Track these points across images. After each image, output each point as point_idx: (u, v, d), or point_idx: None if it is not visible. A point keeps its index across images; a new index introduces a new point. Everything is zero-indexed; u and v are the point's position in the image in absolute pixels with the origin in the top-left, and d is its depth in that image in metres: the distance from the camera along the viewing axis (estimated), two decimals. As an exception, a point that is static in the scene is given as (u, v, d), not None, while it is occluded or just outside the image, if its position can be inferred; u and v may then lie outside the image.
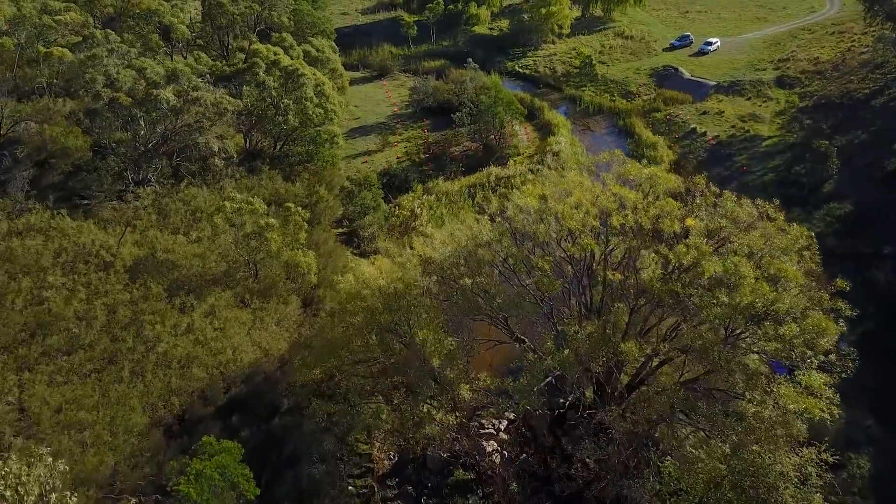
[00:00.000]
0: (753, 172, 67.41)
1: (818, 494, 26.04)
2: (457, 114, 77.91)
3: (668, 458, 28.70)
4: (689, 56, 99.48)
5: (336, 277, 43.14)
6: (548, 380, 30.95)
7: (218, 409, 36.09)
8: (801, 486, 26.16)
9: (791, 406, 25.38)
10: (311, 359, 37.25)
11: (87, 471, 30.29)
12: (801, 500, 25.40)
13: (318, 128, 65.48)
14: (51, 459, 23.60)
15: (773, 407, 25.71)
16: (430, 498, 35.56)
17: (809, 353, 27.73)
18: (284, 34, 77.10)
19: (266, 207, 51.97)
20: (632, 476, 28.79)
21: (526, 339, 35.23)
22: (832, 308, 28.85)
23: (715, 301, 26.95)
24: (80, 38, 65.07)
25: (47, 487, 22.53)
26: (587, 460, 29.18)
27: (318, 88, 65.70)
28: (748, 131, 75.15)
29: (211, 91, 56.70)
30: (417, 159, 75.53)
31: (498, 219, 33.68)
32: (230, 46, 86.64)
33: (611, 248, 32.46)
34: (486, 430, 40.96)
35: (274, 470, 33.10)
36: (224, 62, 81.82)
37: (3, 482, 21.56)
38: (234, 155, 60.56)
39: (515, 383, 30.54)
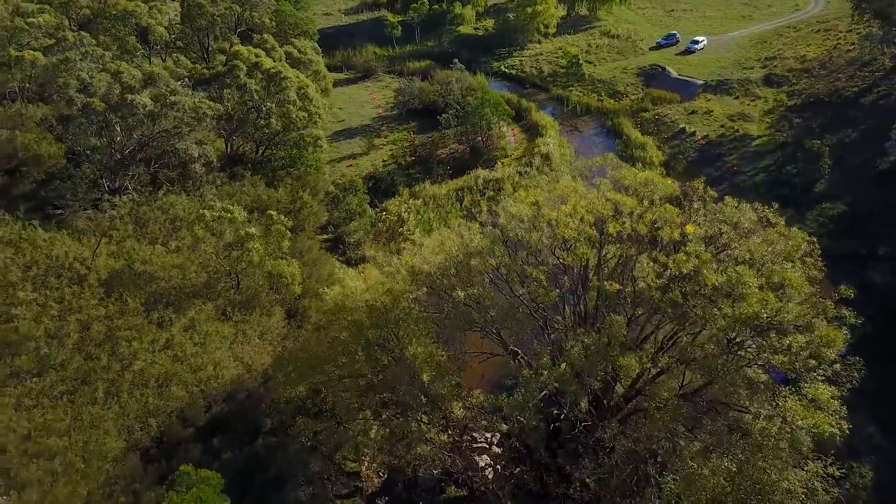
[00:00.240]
0: (744, 173, 66.63)
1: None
2: (443, 115, 76.54)
3: (670, 474, 27.55)
4: (676, 55, 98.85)
5: (323, 289, 41.57)
6: (543, 393, 29.63)
7: (198, 429, 34.43)
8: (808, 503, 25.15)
9: (800, 422, 24.25)
10: (296, 374, 35.71)
11: (57, 503, 28.52)
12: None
13: (302, 131, 63.86)
14: None
15: (781, 423, 24.56)
16: (421, 517, 34.21)
17: (813, 362, 26.68)
18: (266, 35, 75.32)
19: (247, 215, 50.40)
20: (633, 495, 27.59)
21: (519, 351, 33.96)
22: (836, 316, 27.82)
23: (718, 312, 25.78)
24: (54, 41, 62.91)
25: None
26: (587, 480, 27.91)
27: (302, 91, 64.04)
28: (737, 131, 74.45)
29: (190, 95, 54.86)
30: (403, 162, 74.02)
31: (489, 227, 32.31)
32: (210, 48, 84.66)
33: (606, 256, 31.21)
34: (479, 444, 39.57)
35: (258, 494, 31.57)
36: (204, 64, 79.89)
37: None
38: (215, 160, 58.77)
39: (510, 399, 29.25)
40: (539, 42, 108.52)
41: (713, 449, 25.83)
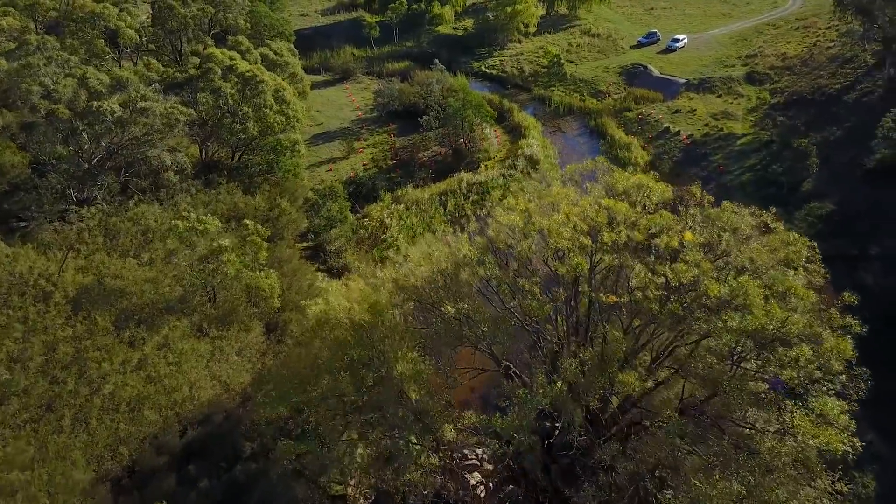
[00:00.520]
0: (731, 172, 65.89)
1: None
2: (424, 118, 75.01)
3: (670, 492, 26.28)
4: (657, 53, 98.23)
5: (304, 301, 39.79)
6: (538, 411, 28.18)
7: (173, 456, 32.39)
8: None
9: (811, 442, 23.04)
10: (276, 393, 33.87)
11: (19, 543, 26.54)
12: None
13: (279, 136, 61.88)
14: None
15: (792, 441, 23.34)
16: (411, 540, 32.58)
17: (818, 374, 25.54)
18: (240, 37, 73.19)
19: (223, 225, 48.43)
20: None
21: (511, 366, 32.46)
22: (842, 325, 26.75)
23: (723, 325, 24.48)
24: (16, 45, 60.29)
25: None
26: (587, 504, 26.47)
27: (278, 94, 62.06)
28: (722, 129, 73.77)
29: (161, 100, 52.64)
30: (385, 166, 72.32)
31: (478, 237, 30.75)
32: (183, 51, 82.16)
33: (598, 264, 29.81)
34: (469, 462, 38.15)
35: (238, 525, 29.72)
36: (177, 68, 77.47)
37: None
38: (189, 168, 56.55)
39: (504, 418, 27.71)
40: (519, 41, 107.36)
41: (719, 468, 24.54)
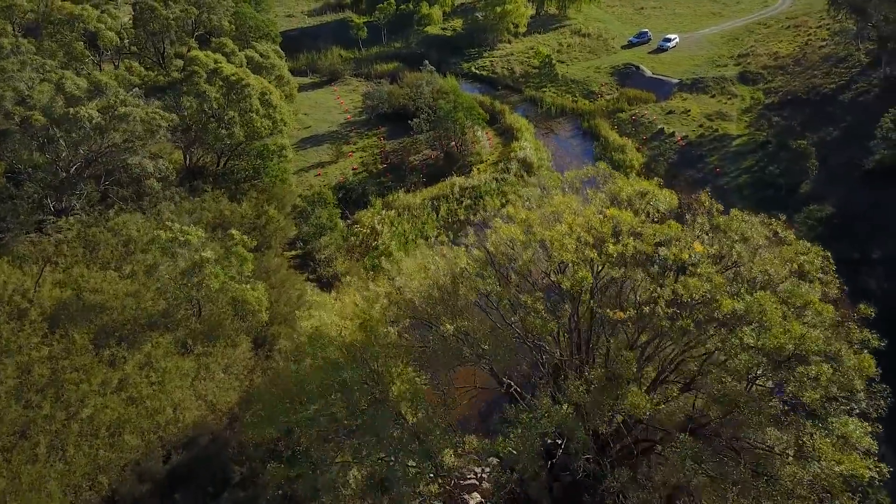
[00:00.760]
0: (727, 174, 64.80)
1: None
2: (414, 120, 73.41)
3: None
4: (649, 53, 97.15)
5: (299, 313, 38.13)
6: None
7: (156, 484, 30.63)
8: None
9: (836, 468, 21.71)
10: (265, 413, 32.24)
11: (-11, 586, 24.72)
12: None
13: (266, 140, 60.09)
14: None
15: (817, 468, 22.01)
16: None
17: (838, 392, 24.27)
18: (224, 39, 71.19)
19: (209, 234, 46.70)
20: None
21: (513, 384, 31.02)
22: (860, 340, 25.51)
23: (738, 342, 23.12)
24: (-10, 49, 57.99)
25: None
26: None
27: (265, 98, 60.26)
28: (716, 130, 72.70)
29: (142, 105, 50.67)
30: (375, 170, 70.64)
31: (476, 250, 29.22)
32: (165, 53, 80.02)
33: (605, 279, 28.40)
34: (468, 481, 36.57)
35: (226, 558, 28.03)
36: (160, 71, 75.43)
37: None
38: (173, 175, 54.61)
39: (507, 440, 26.23)
40: (509, 42, 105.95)
41: (738, 496, 23.19)
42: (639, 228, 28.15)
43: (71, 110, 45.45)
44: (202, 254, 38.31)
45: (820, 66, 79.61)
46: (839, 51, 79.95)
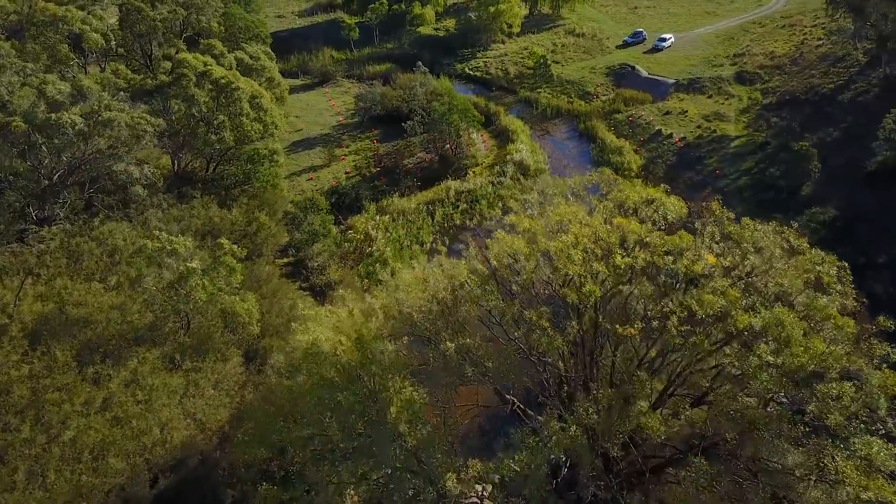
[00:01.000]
0: (727, 176, 63.76)
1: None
2: (408, 122, 72.04)
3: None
4: (644, 53, 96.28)
5: (295, 325, 36.55)
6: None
7: (143, 510, 29.16)
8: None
9: (863, 495, 20.50)
10: (257, 431, 30.84)
11: None
12: None
13: (257, 144, 58.55)
14: None
15: (844, 495, 20.80)
16: None
17: (857, 409, 23.09)
18: (213, 41, 69.44)
19: (198, 241, 45.25)
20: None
21: (516, 401, 29.74)
22: (881, 356, 24.32)
23: (758, 361, 21.87)
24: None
25: None
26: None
27: (255, 101, 58.72)
28: (714, 131, 71.71)
29: (127, 110, 49.03)
30: (368, 174, 69.25)
31: (476, 261, 27.87)
32: (153, 55, 78.29)
33: (612, 291, 27.13)
34: (469, 500, 35.22)
35: (216, 589, 26.57)
36: (147, 73, 73.74)
37: None
38: (160, 181, 52.98)
39: (512, 462, 24.92)
40: (503, 42, 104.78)
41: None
42: (647, 238, 26.90)
43: (53, 116, 43.78)
44: (188, 264, 36.74)
45: (817, 66, 78.81)
46: (836, 50, 79.17)
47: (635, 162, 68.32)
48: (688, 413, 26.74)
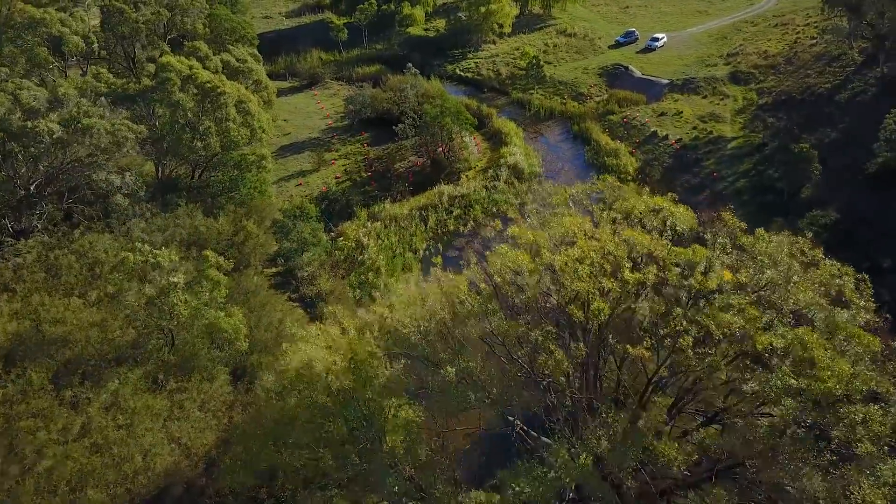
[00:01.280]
0: (724, 179, 62.61)
1: None
2: (399, 126, 70.40)
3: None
4: (637, 53, 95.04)
5: (286, 344, 34.90)
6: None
7: (124, 545, 27.43)
8: None
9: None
10: (246, 456, 29.21)
11: None
12: None
13: (243, 150, 56.72)
14: None
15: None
16: None
17: (884, 431, 21.77)
18: (198, 43, 67.48)
19: (181, 253, 43.32)
20: None
21: (519, 423, 28.26)
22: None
23: (780, 383, 20.48)
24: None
25: None
26: None
27: (242, 105, 56.88)
28: (711, 132, 70.56)
29: (108, 117, 47.10)
30: (359, 178, 67.59)
31: (483, 284, 26.34)
32: (136, 58, 76.13)
33: (621, 308, 25.69)
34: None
35: None
36: (131, 76, 71.64)
37: None
38: (143, 190, 51.02)
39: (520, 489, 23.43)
40: (494, 43, 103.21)
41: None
42: (656, 251, 25.49)
43: (29, 123, 41.82)
44: (170, 279, 34.96)
45: (812, 66, 77.88)
46: (831, 49, 78.26)
47: (632, 165, 67.05)
48: (699, 434, 25.43)
